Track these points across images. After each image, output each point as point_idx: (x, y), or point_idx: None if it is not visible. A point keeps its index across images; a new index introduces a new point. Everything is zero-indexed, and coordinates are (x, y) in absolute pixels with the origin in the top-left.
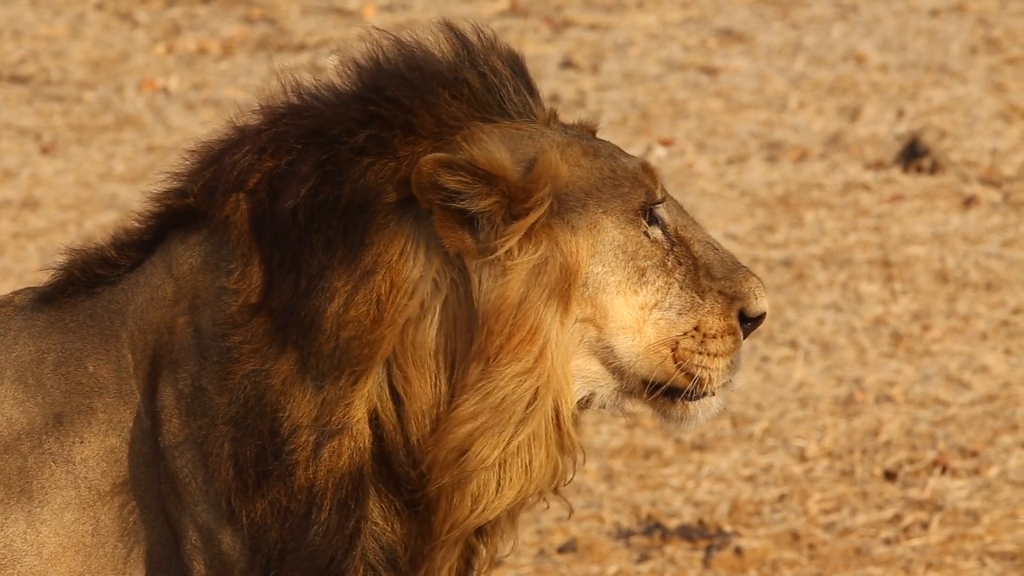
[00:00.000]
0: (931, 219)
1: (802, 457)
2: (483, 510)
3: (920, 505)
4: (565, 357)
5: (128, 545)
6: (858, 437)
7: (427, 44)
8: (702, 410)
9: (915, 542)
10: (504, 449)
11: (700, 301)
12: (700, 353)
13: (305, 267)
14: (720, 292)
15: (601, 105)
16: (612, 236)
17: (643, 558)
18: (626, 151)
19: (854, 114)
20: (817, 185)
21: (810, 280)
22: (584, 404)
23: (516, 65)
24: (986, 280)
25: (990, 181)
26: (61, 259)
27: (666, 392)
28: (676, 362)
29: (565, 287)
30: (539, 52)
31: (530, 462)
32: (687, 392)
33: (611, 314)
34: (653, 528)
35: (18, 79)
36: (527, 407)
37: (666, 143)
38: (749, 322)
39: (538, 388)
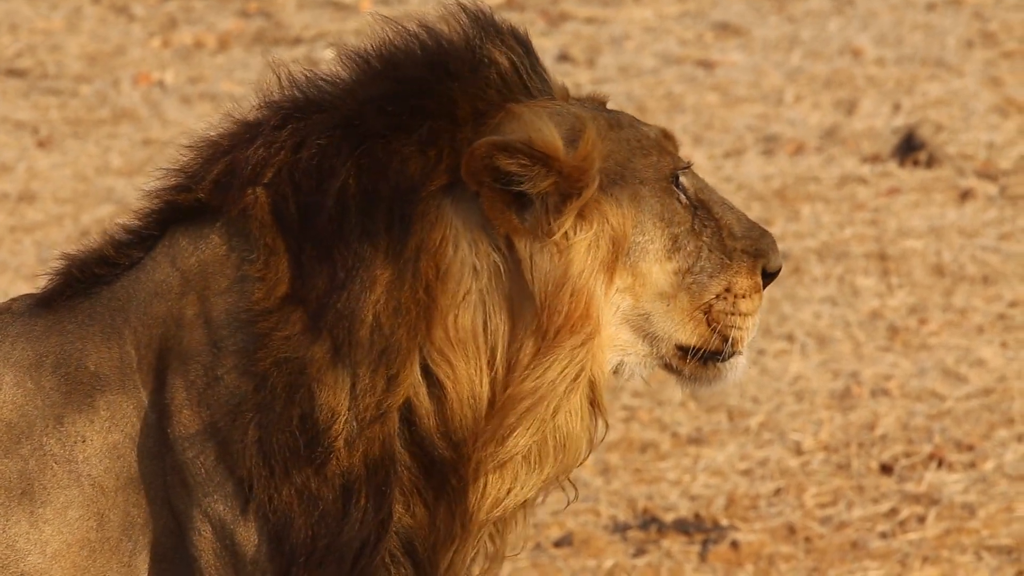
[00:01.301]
0: (927, 213)
1: (798, 451)
2: (518, 491)
3: (916, 499)
4: (607, 328)
5: (133, 539)
6: (854, 431)
7: (439, 29)
8: (732, 370)
9: (911, 536)
10: (548, 420)
11: (728, 262)
12: (733, 314)
13: (340, 259)
14: (743, 251)
15: None
16: (651, 205)
17: (639, 552)
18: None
19: (850, 108)
20: (813, 178)
21: (806, 274)
22: (613, 373)
23: (527, 43)
24: (982, 274)
25: (986, 175)
26: (58, 263)
27: (701, 355)
28: (710, 325)
29: (612, 259)
30: (535, 45)
31: (567, 433)
32: (722, 354)
33: (649, 282)
34: (649, 522)
35: (14, 72)
36: (576, 375)
37: None
38: (768, 276)
39: (586, 359)
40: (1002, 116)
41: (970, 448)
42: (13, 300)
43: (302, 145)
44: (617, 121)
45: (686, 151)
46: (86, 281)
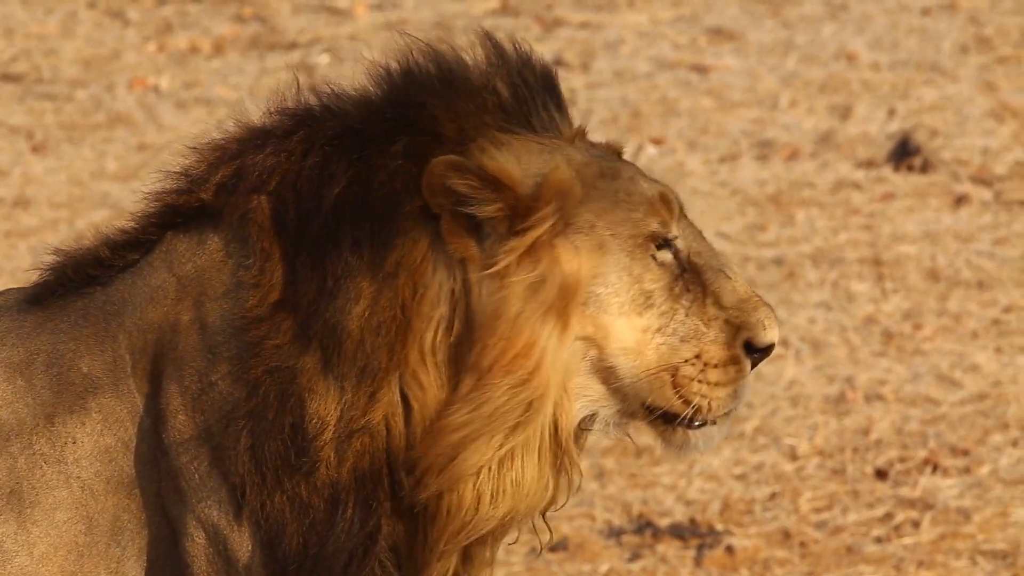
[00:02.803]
0: (922, 218)
1: (793, 456)
2: (477, 522)
3: (911, 504)
4: (564, 373)
5: (122, 544)
6: (849, 436)
7: (461, 52)
8: (703, 439)
9: (906, 540)
10: (494, 455)
11: (704, 330)
12: (700, 382)
13: (331, 267)
14: (727, 321)
15: (592, 104)
16: (618, 258)
17: (634, 556)
18: (650, 176)
19: (845, 113)
20: (808, 184)
21: (801, 279)
22: (588, 423)
23: (548, 80)
24: (977, 279)
25: (981, 180)
26: (50, 259)
27: (664, 417)
28: (675, 388)
29: (563, 305)
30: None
31: (523, 473)
32: (684, 419)
33: (612, 335)
34: (644, 527)
35: (9, 77)
36: (520, 415)
37: (657, 142)
38: (757, 352)
39: (532, 400)
40: (997, 121)
41: (965, 453)
42: (0, 294)
43: (309, 152)
44: (614, 171)
45: (680, 156)
46: (80, 280)
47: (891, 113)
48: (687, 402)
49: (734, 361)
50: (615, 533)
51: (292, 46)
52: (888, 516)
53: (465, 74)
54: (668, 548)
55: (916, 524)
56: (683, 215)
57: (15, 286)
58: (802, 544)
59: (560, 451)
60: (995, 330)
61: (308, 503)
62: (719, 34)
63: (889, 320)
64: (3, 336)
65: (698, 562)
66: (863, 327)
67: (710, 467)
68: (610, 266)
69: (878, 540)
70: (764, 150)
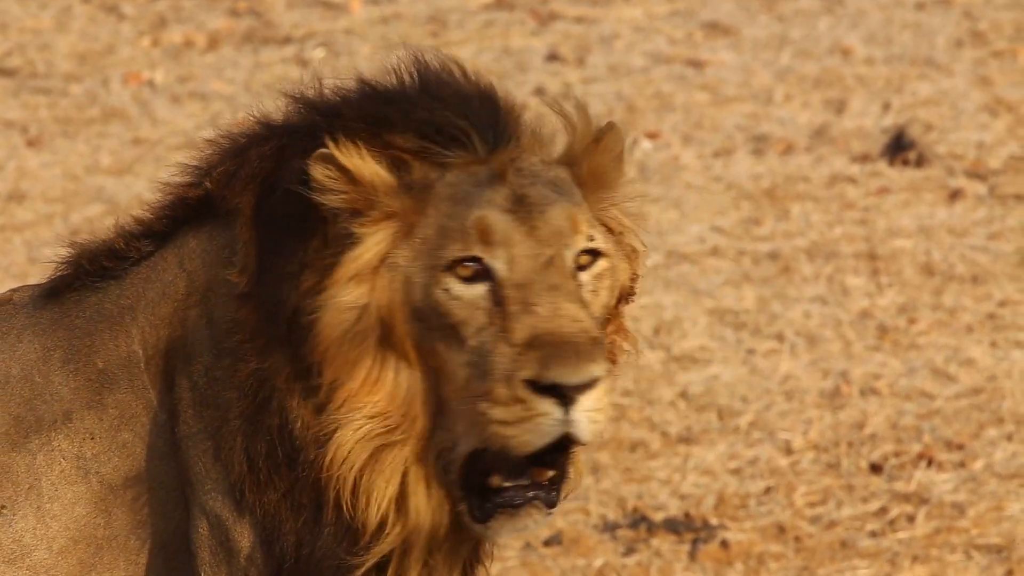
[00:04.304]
0: (917, 212)
1: (788, 450)
2: (384, 539)
3: (906, 498)
4: (411, 402)
5: (142, 537)
6: (844, 430)
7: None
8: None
9: (901, 535)
10: (365, 473)
11: (491, 368)
12: (489, 420)
13: (286, 261)
14: (511, 359)
15: (587, 98)
16: (423, 289)
17: (629, 551)
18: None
19: (840, 107)
20: (803, 178)
21: (796, 273)
22: (481, 458)
23: (482, 101)
24: (972, 273)
25: (976, 174)
26: (66, 253)
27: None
28: (477, 425)
29: (383, 333)
30: (525, 45)
31: (405, 497)
32: (494, 457)
33: (441, 367)
34: (639, 521)
35: (4, 72)
36: (359, 438)
37: (652, 136)
38: (547, 390)
39: (359, 427)
40: (992, 115)
41: (960, 447)
42: (13, 291)
43: (284, 148)
44: (467, 198)
45: (675, 150)
46: (95, 274)
47: (886, 107)
48: (481, 438)
49: (517, 400)
50: (610, 527)
51: (287, 41)
52: (883, 510)
53: (388, 95)
54: (663, 542)
55: (911, 518)
56: (524, 240)
57: (11, 281)
58: (797, 538)
59: (441, 478)
60: (990, 324)
61: (300, 503)
62: (714, 29)
63: (884, 314)
64: (20, 332)
65: (693, 556)
66: (858, 321)
67: (704, 461)
68: (417, 297)
69: (873, 534)
70: (759, 144)
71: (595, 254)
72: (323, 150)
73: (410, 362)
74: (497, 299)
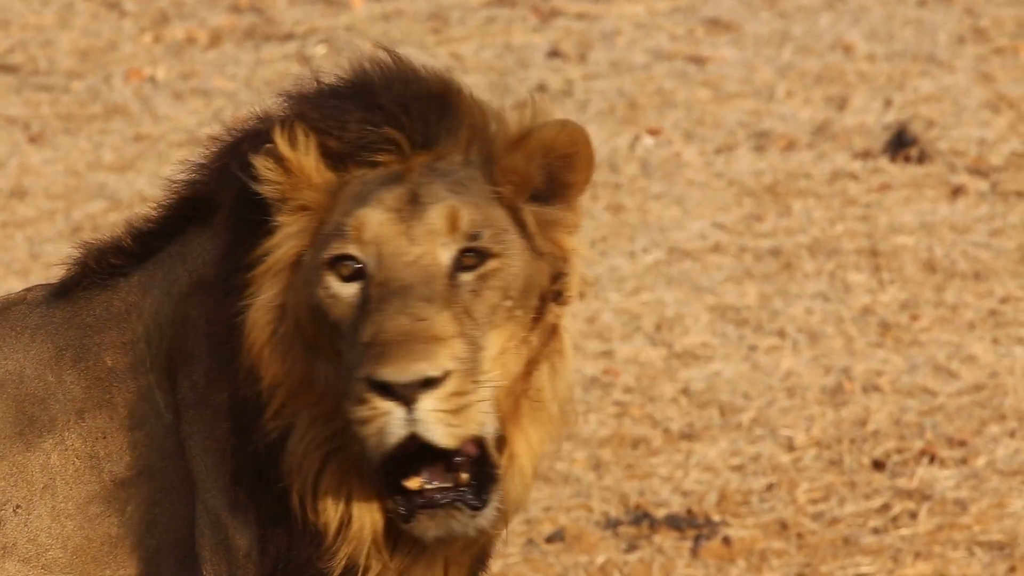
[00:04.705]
0: (919, 208)
1: (790, 446)
2: (340, 542)
3: (908, 494)
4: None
5: (155, 537)
6: (846, 427)
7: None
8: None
9: (903, 531)
10: (320, 479)
11: (349, 366)
12: (351, 419)
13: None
14: (357, 358)
15: (588, 95)
16: (311, 287)
17: (631, 548)
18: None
19: (841, 103)
20: (805, 174)
21: (798, 269)
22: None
23: (419, 103)
24: (974, 270)
25: (978, 171)
26: (76, 253)
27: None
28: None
29: (307, 334)
30: (526, 41)
31: (350, 500)
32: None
33: (326, 361)
34: (641, 518)
35: (6, 68)
36: (316, 445)
37: (654, 132)
38: (383, 389)
39: (288, 418)
40: (993, 112)
41: (962, 444)
42: (28, 290)
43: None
44: (362, 197)
45: (677, 147)
46: (103, 271)
47: (887, 104)
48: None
49: (363, 400)
50: (612, 524)
51: (288, 37)
52: (885, 507)
53: (330, 97)
54: (665, 539)
55: (913, 515)
56: (395, 239)
57: (13, 278)
58: (799, 535)
59: (377, 483)
60: (992, 321)
61: (288, 507)
62: (716, 25)
63: (886, 311)
64: (34, 332)
65: (695, 553)
66: (860, 318)
67: (707, 458)
68: (306, 295)
69: (875, 531)
70: (761, 141)
71: (482, 254)
72: (269, 144)
73: (331, 362)
74: (365, 298)
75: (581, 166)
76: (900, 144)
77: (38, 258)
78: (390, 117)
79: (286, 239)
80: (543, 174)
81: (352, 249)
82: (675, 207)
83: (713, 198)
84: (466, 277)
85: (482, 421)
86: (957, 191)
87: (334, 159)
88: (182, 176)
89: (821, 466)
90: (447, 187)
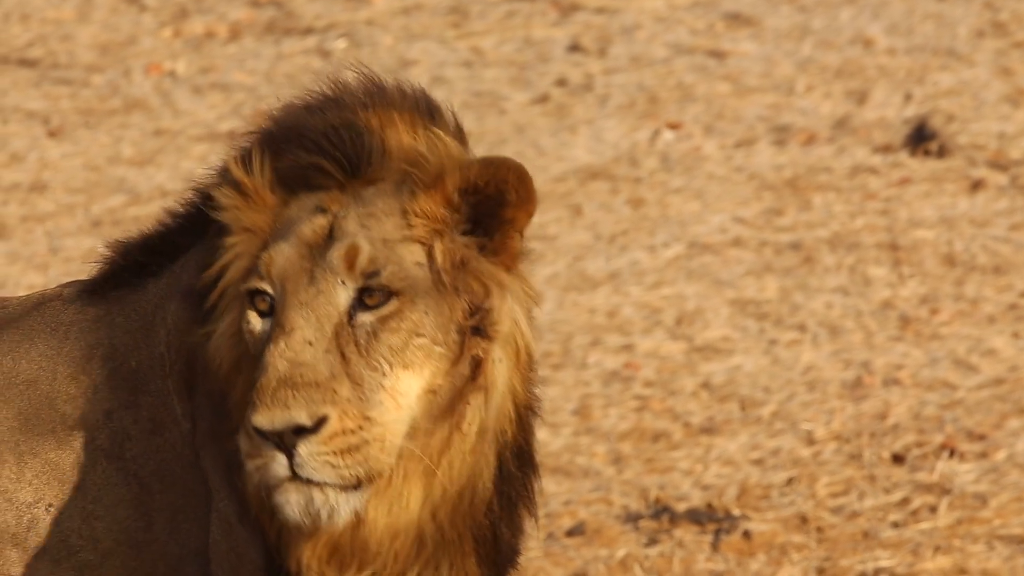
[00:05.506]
0: (939, 203)
1: (810, 440)
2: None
3: (928, 488)
4: None
5: (179, 544)
6: (866, 420)
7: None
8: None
9: (923, 525)
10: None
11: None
12: (242, 452)
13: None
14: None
15: (608, 89)
16: (241, 318)
17: (652, 541)
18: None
19: (861, 98)
20: (825, 168)
21: (818, 263)
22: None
23: (347, 127)
24: (994, 264)
25: (998, 165)
26: (108, 250)
27: None
28: None
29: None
30: (546, 36)
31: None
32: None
33: None
34: (662, 511)
35: (26, 62)
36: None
37: (674, 127)
38: (267, 432)
39: None
40: (1013, 106)
41: (982, 438)
42: (63, 286)
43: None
44: (292, 231)
45: (697, 141)
46: (132, 270)
47: (907, 98)
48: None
49: (249, 438)
50: (632, 518)
51: (308, 31)
52: (905, 501)
53: (285, 123)
54: (685, 533)
55: (933, 509)
56: (296, 277)
57: (33, 272)
58: (819, 529)
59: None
60: (1012, 315)
61: None
62: (736, 19)
63: (906, 305)
64: (67, 329)
65: (715, 547)
66: (880, 312)
67: (727, 452)
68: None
69: (895, 525)
70: (781, 135)
71: (385, 292)
72: (222, 166)
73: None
74: (268, 335)
75: (512, 202)
76: (920, 138)
77: (58, 252)
78: (317, 146)
79: (233, 259)
80: (471, 211)
81: (264, 284)
82: (695, 201)
83: (733, 192)
84: (365, 317)
85: (378, 459)
86: (977, 185)
87: (283, 182)
88: (208, 171)
89: (841, 460)
90: (360, 221)
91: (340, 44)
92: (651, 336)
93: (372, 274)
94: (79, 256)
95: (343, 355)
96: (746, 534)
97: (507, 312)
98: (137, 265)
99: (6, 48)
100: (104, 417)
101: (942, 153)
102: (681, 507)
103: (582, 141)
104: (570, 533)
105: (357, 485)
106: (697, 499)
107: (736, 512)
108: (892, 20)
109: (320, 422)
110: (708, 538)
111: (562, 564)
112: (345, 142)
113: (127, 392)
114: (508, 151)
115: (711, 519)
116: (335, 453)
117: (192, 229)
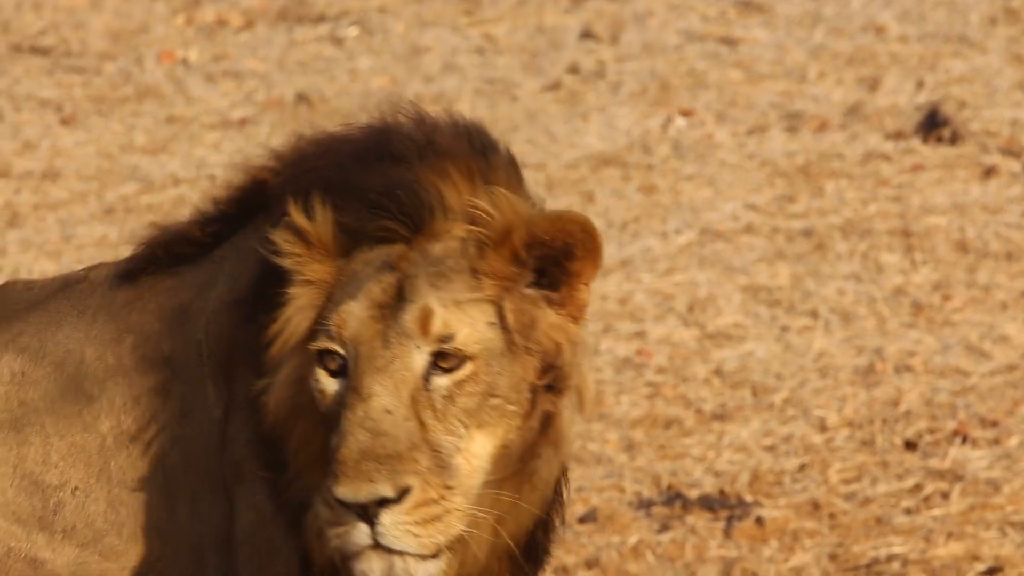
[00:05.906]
0: (951, 189)
1: (822, 427)
2: None
3: (940, 475)
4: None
5: (201, 533)
6: (878, 407)
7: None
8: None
9: (935, 512)
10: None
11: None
12: (321, 519)
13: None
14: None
15: (621, 76)
16: (310, 376)
17: (664, 528)
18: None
19: (874, 84)
20: (837, 155)
21: (830, 250)
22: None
23: (406, 187)
24: (1006, 250)
25: (1010, 151)
26: (144, 235)
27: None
28: None
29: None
30: (559, 23)
31: None
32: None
33: None
34: (674, 498)
35: (39, 50)
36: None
37: (686, 114)
38: (350, 504)
39: None
40: None
41: (994, 424)
42: (90, 269)
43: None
44: (353, 275)
45: (709, 128)
46: (170, 258)
47: (920, 85)
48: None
49: (328, 504)
50: (644, 504)
51: (321, 19)
52: (917, 487)
53: (346, 169)
54: (697, 519)
55: (945, 495)
56: (372, 340)
57: (45, 259)
58: (831, 515)
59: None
60: None
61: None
62: (748, 6)
63: (918, 291)
64: (95, 312)
65: (727, 533)
66: (892, 298)
67: (739, 438)
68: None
69: (907, 511)
70: (793, 122)
71: (459, 357)
72: (287, 217)
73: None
74: (343, 398)
75: (580, 256)
76: (932, 125)
77: (70, 240)
78: (379, 205)
79: (296, 312)
80: (538, 265)
81: (335, 346)
82: (707, 188)
83: (745, 179)
84: (441, 381)
85: (457, 528)
86: (989, 172)
87: (346, 234)
88: (255, 162)
89: (853, 446)
90: (430, 281)
91: (352, 31)
92: (663, 323)
93: (447, 338)
94: (92, 244)
95: (420, 420)
96: (758, 520)
97: (576, 366)
98: (173, 253)
99: (19, 36)
100: (132, 402)
101: (954, 140)
102: (693, 494)
103: (594, 128)
104: (582, 520)
105: (436, 554)
106: (709, 486)
107: (748, 498)
108: (904, 7)
109: (403, 493)
110: (720, 524)
111: (574, 551)
112: (404, 202)
113: (157, 379)
114: (520, 138)
115: (723, 505)
116: (417, 523)
117: (232, 219)
